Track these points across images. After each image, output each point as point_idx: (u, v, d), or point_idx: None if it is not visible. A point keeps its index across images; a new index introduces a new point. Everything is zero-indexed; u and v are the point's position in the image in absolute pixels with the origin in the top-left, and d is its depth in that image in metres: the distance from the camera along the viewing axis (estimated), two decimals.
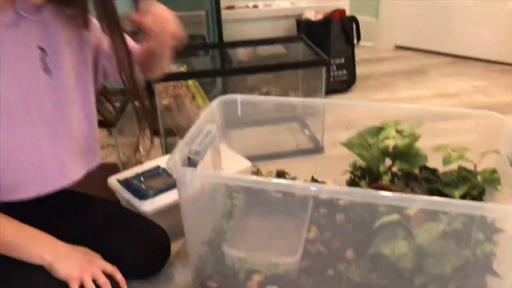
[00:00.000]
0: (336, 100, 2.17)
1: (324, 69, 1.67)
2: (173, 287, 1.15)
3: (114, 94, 1.66)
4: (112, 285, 0.95)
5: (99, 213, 1.14)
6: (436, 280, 0.89)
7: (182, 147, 0.96)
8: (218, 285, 1.05)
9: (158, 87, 1.63)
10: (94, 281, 0.93)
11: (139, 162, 1.64)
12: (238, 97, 1.22)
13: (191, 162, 0.97)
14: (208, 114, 1.14)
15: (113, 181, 1.33)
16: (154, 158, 1.48)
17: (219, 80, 2.01)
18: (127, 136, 1.56)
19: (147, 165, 1.42)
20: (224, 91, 2.00)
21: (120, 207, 1.22)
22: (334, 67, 2.27)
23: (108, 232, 1.10)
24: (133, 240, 1.11)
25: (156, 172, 1.39)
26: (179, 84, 1.66)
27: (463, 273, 0.88)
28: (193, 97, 1.70)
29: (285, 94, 2.11)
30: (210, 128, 1.09)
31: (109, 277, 0.96)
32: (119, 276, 0.98)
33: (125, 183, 1.33)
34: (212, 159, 1.12)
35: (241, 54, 2.11)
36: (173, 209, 1.19)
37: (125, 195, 1.27)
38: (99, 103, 1.12)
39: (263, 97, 1.46)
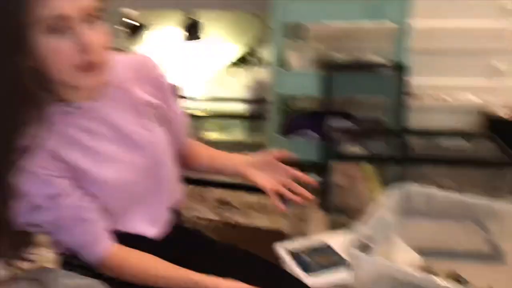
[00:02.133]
0: None
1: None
2: None
3: None
4: None
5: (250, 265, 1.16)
6: None
7: (357, 231, 0.98)
8: None
9: (334, 165, 1.69)
10: None
11: (304, 233, 1.69)
12: (416, 187, 1.20)
13: (363, 247, 0.98)
14: (385, 201, 1.14)
15: (280, 248, 1.39)
16: (319, 232, 1.51)
17: (394, 166, 2.00)
18: (298, 207, 1.63)
19: (314, 239, 1.46)
20: (399, 178, 1.97)
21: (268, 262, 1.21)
22: None
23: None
24: None
25: (322, 247, 1.42)
26: (355, 165, 1.69)
27: None
28: (367, 180, 1.71)
29: (463, 189, 2.00)
30: (386, 215, 1.09)
31: None
32: None
33: (292, 253, 1.37)
34: (384, 247, 1.11)
35: (420, 143, 2.08)
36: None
37: (291, 265, 1.31)
38: None
39: (442, 192, 1.40)
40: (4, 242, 0.91)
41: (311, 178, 1.11)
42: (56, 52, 0.83)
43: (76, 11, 0.82)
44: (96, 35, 0.85)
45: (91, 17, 0.84)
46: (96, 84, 0.92)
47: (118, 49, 1.05)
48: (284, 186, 1.09)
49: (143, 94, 1.03)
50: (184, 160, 1.22)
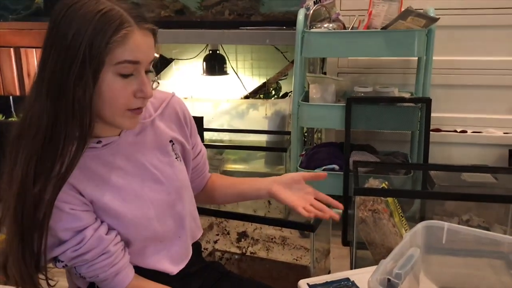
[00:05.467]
0: None
1: None
2: None
3: None
4: None
5: None
6: None
7: (384, 267, 0.96)
8: None
9: (358, 199, 1.67)
10: None
11: (326, 268, 1.66)
12: (446, 224, 1.18)
13: (390, 285, 0.96)
14: (412, 237, 1.12)
15: (303, 284, 1.37)
16: (342, 267, 1.49)
17: (417, 201, 1.97)
18: (320, 241, 1.61)
19: (336, 275, 1.42)
20: (421, 212, 1.94)
21: None
22: None
23: None
24: None
25: (345, 283, 1.39)
26: (379, 200, 1.67)
27: None
28: (391, 215, 1.69)
29: (489, 225, 1.95)
30: (413, 252, 1.07)
31: None
32: None
33: None
34: (409, 284, 1.08)
35: (444, 178, 2.05)
36: None
37: None
38: None
39: (467, 228, 1.37)
40: (34, 277, 0.90)
41: (337, 202, 1.11)
42: (118, 92, 0.86)
43: (146, 60, 0.88)
44: (149, 83, 0.90)
45: (149, 66, 0.90)
46: (135, 125, 0.94)
47: None
48: (312, 205, 1.08)
49: (167, 131, 1.04)
50: (208, 194, 1.22)
